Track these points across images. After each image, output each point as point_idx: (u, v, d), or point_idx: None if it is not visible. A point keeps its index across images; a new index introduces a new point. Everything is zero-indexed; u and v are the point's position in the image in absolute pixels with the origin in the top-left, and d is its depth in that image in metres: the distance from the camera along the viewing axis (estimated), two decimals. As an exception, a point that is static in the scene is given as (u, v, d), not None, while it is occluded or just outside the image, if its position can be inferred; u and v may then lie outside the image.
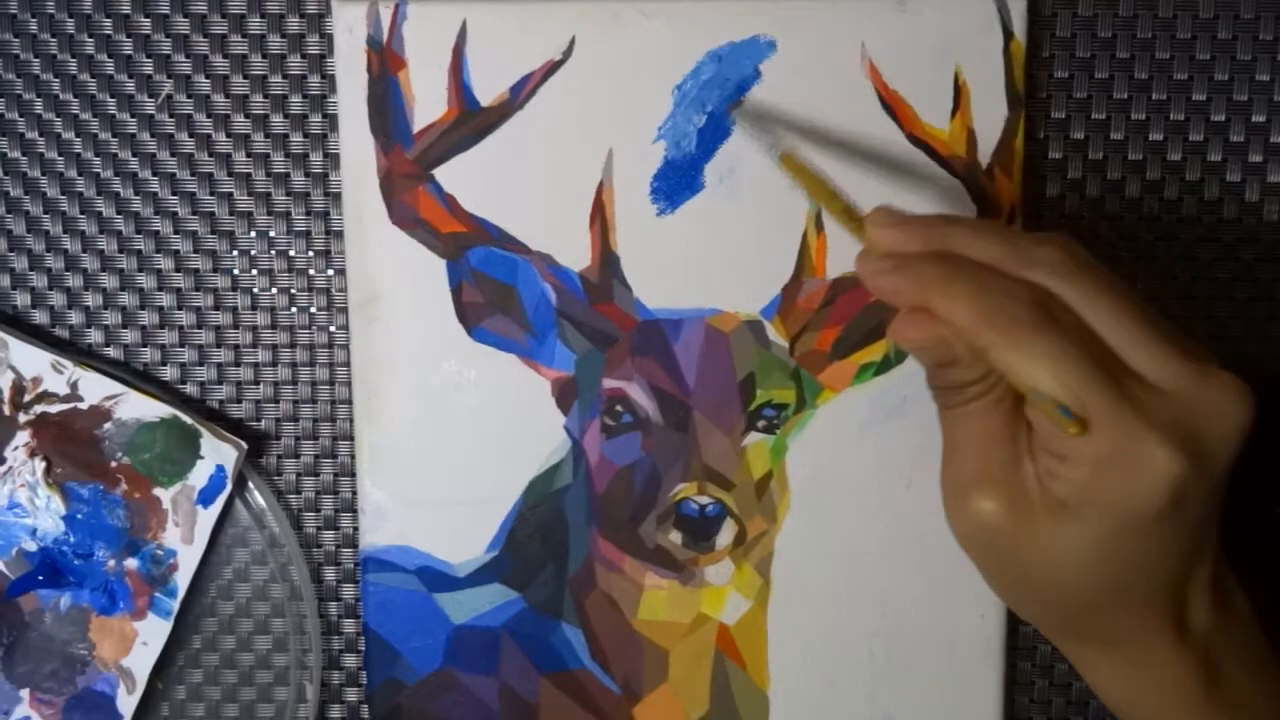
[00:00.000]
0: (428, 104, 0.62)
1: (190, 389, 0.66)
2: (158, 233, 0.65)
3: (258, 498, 0.66)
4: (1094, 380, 0.45)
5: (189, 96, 0.65)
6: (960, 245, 0.49)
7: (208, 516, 0.66)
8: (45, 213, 0.66)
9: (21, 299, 0.66)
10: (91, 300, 0.66)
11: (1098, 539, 0.47)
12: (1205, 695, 0.49)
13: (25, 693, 0.66)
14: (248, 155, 0.65)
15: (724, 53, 0.61)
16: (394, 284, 0.63)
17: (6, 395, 0.64)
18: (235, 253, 0.66)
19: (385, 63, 0.61)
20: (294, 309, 0.66)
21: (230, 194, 0.65)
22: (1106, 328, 0.46)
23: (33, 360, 0.65)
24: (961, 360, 0.48)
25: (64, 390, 0.65)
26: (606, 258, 0.63)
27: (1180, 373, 0.46)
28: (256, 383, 0.66)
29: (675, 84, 0.62)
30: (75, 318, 0.66)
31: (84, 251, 0.66)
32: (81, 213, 0.65)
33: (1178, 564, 0.48)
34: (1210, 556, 0.49)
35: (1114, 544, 0.47)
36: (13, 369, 0.64)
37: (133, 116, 0.65)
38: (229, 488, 0.65)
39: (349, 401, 0.66)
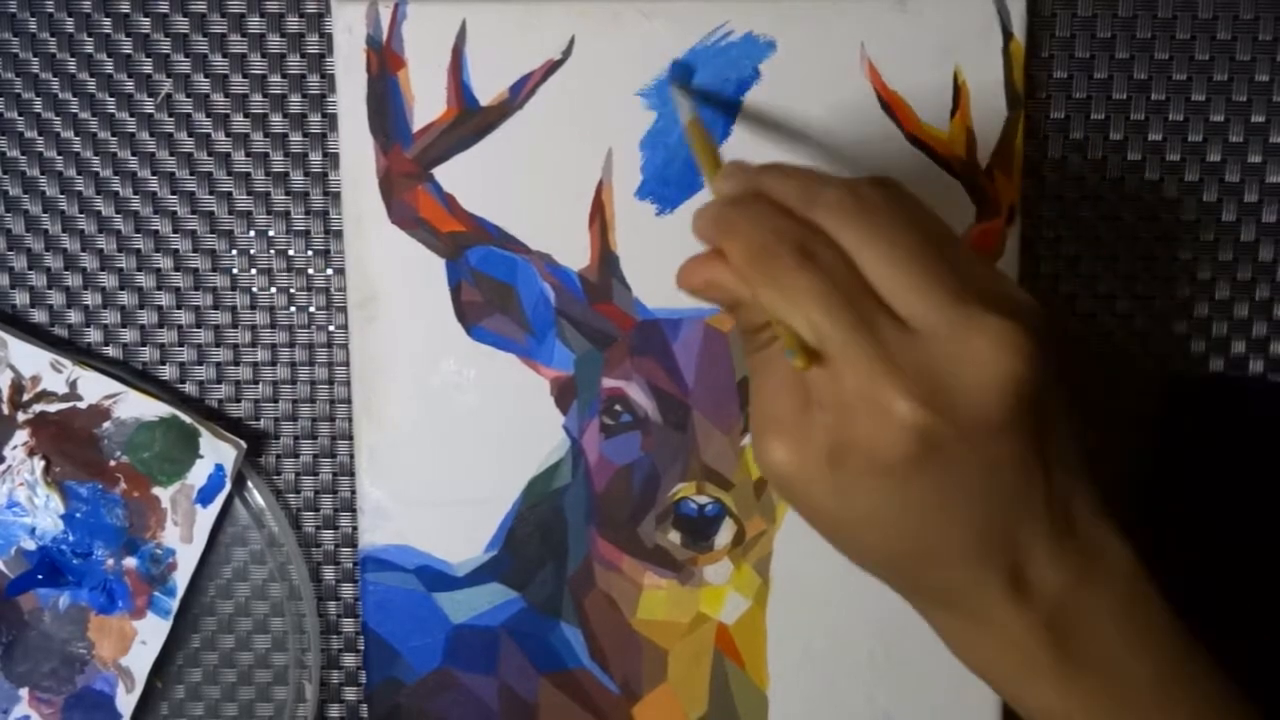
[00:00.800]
0: (427, 103, 0.62)
1: (189, 388, 0.67)
2: (157, 232, 0.65)
3: (256, 497, 0.66)
4: (839, 320, 0.43)
5: (188, 96, 0.65)
6: (766, 187, 0.48)
7: (207, 516, 0.66)
8: (44, 212, 0.66)
9: (21, 298, 0.66)
10: (91, 299, 0.66)
11: (867, 488, 0.45)
12: (1056, 661, 0.46)
13: (24, 691, 0.66)
14: (247, 155, 0.65)
15: (702, 53, 0.62)
16: (393, 283, 0.63)
17: (5, 394, 0.64)
18: (234, 252, 0.66)
19: (385, 62, 0.61)
20: (293, 308, 0.66)
21: (229, 193, 0.65)
22: (873, 268, 0.44)
23: (32, 359, 0.65)
24: (745, 302, 0.47)
25: (63, 389, 0.65)
26: (606, 257, 0.63)
27: (938, 314, 0.43)
28: (255, 382, 0.66)
29: (657, 83, 0.62)
30: (74, 316, 0.66)
31: (83, 250, 0.66)
32: (81, 212, 0.65)
33: (973, 518, 0.45)
34: (1043, 509, 0.46)
35: (884, 493, 0.45)
36: (12, 368, 0.64)
37: (132, 116, 0.65)
38: (228, 487, 0.65)
39: (348, 401, 0.66)
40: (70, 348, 0.66)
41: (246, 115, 0.65)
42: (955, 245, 0.46)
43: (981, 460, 0.44)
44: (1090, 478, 0.47)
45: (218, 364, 0.66)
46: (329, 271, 0.66)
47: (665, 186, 0.62)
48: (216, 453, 0.65)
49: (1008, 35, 0.61)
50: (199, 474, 0.65)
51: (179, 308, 0.66)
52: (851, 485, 0.45)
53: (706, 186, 0.53)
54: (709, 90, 0.62)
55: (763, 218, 0.46)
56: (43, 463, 0.65)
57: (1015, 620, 0.46)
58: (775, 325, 0.45)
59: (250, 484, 0.66)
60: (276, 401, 0.66)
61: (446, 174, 0.62)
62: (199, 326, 0.66)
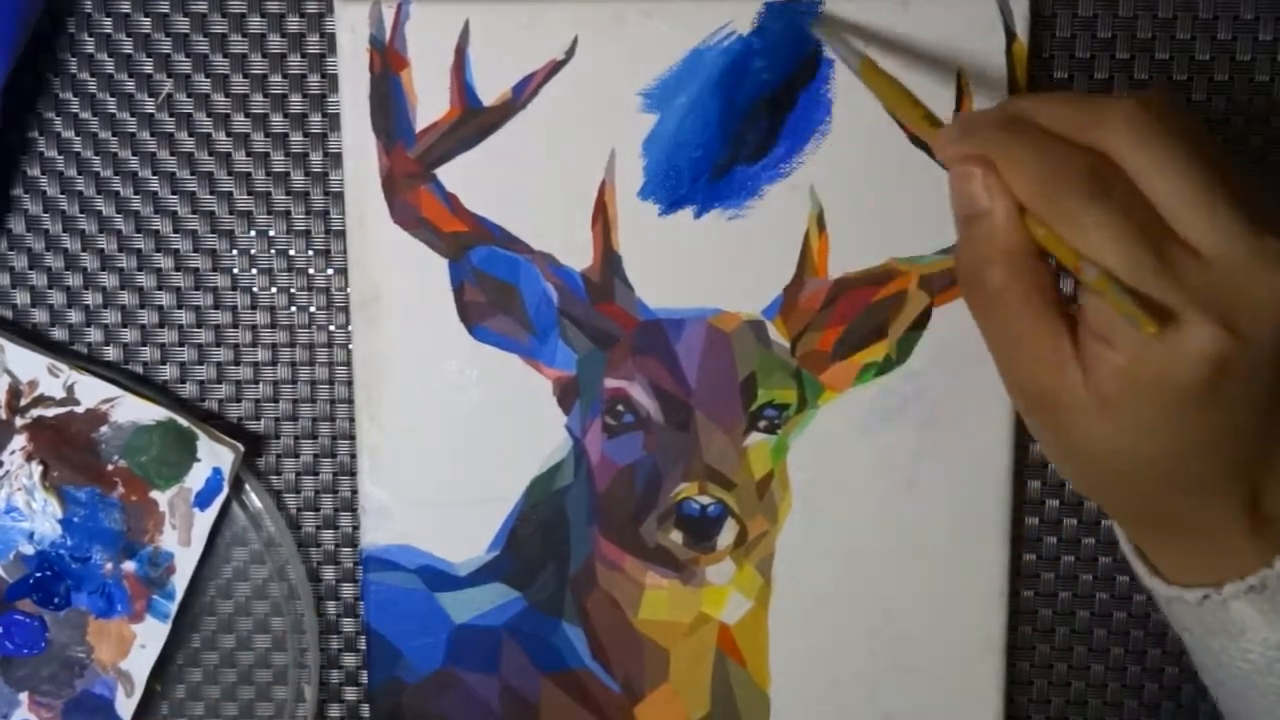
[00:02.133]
0: (430, 103, 0.62)
1: (190, 388, 0.66)
2: (157, 232, 0.65)
3: (254, 499, 0.66)
4: (1138, 256, 0.44)
5: (189, 96, 0.65)
6: (1028, 110, 0.48)
7: (205, 519, 0.65)
8: (45, 212, 0.65)
9: (21, 297, 0.66)
10: (91, 299, 0.66)
11: (1146, 424, 0.46)
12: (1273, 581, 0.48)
13: (24, 696, 0.66)
14: (248, 154, 0.65)
15: (708, 52, 0.62)
16: (396, 283, 0.63)
17: (3, 399, 0.64)
18: (235, 252, 0.66)
19: (388, 62, 0.61)
20: (294, 308, 0.66)
21: (230, 193, 0.65)
22: (1162, 194, 0.45)
23: (29, 364, 0.64)
24: (990, 215, 0.47)
25: (60, 394, 0.64)
26: (608, 257, 0.63)
27: (1230, 242, 0.44)
28: (256, 382, 0.66)
29: (660, 82, 0.62)
30: (75, 316, 0.66)
31: (83, 250, 0.66)
32: (81, 212, 0.65)
33: (1238, 445, 0.47)
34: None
35: (1165, 426, 0.46)
36: (9, 373, 0.64)
37: (133, 116, 0.65)
38: (226, 490, 0.65)
39: (349, 401, 0.66)
40: (67, 351, 0.66)
41: (247, 115, 0.65)
42: (1231, 164, 0.46)
43: (1262, 387, 0.45)
44: None
45: (218, 364, 0.66)
46: (329, 271, 0.65)
47: (668, 187, 0.62)
48: (214, 456, 0.65)
49: (1010, 36, 0.61)
50: (197, 477, 0.65)
51: (179, 308, 0.66)
52: (1136, 414, 0.46)
53: (916, 130, 0.53)
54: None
55: (1044, 145, 0.46)
56: (40, 467, 0.65)
57: (1249, 551, 0.48)
58: (1085, 278, 0.45)
59: (248, 486, 0.66)
60: (277, 401, 0.66)
61: (449, 174, 0.62)
62: (199, 326, 0.66)
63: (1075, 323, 0.48)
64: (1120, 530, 0.55)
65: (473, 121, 0.62)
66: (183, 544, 0.65)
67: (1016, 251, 0.47)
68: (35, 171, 0.65)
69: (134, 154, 0.65)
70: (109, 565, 0.65)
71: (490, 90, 0.62)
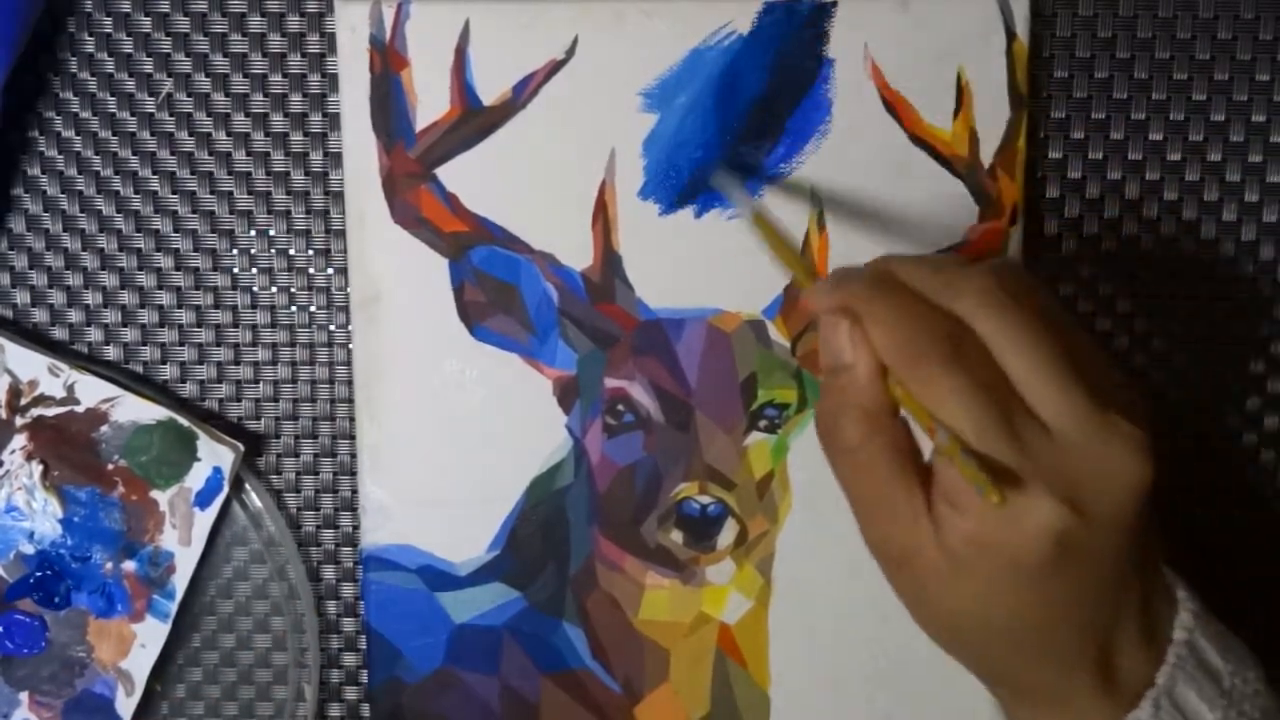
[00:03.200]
0: (430, 103, 0.62)
1: (190, 387, 0.66)
2: (158, 231, 0.65)
3: (255, 499, 0.66)
4: (987, 425, 0.44)
5: (189, 95, 0.65)
6: (897, 271, 0.48)
7: (205, 518, 0.65)
8: (45, 211, 0.65)
9: (21, 297, 0.66)
10: (91, 298, 0.66)
11: (991, 591, 0.46)
12: None
13: (24, 695, 0.66)
14: (248, 154, 0.65)
15: (708, 52, 0.62)
16: (396, 283, 0.63)
17: (3, 399, 0.64)
18: (235, 251, 0.66)
19: (388, 62, 0.61)
20: (294, 308, 0.66)
21: (230, 193, 0.65)
22: (1015, 367, 0.45)
23: (29, 363, 0.64)
24: (853, 367, 0.48)
25: (60, 393, 0.64)
26: (608, 257, 0.63)
27: (1079, 420, 0.45)
28: (256, 381, 0.66)
29: (660, 82, 0.62)
30: (75, 316, 0.66)
31: (84, 250, 0.66)
32: (81, 211, 0.65)
33: (1084, 614, 0.47)
34: (1136, 607, 0.48)
35: (1009, 595, 0.46)
36: (9, 372, 0.64)
37: (133, 115, 0.65)
38: (226, 489, 0.65)
39: (349, 400, 0.66)
40: (68, 351, 0.66)
41: (247, 115, 0.65)
42: (1081, 337, 0.47)
43: (1106, 561, 0.46)
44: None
45: (218, 363, 0.66)
46: (329, 271, 0.65)
47: (668, 187, 0.62)
48: (214, 455, 0.65)
49: (1011, 35, 0.61)
50: (197, 477, 0.65)
51: (180, 307, 0.66)
52: (982, 579, 0.46)
53: (801, 290, 0.53)
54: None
55: (906, 306, 0.47)
56: (41, 467, 0.65)
57: (1100, 706, 0.48)
58: (938, 442, 0.45)
59: (248, 486, 0.66)
60: (277, 401, 0.66)
61: (449, 174, 0.62)
62: (199, 326, 0.66)
63: (930, 483, 0.48)
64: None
65: (473, 121, 0.62)
66: (183, 544, 0.65)
67: (875, 408, 0.47)
68: (35, 171, 0.65)
69: (134, 154, 0.65)
70: (109, 565, 0.65)
71: (490, 90, 0.62)
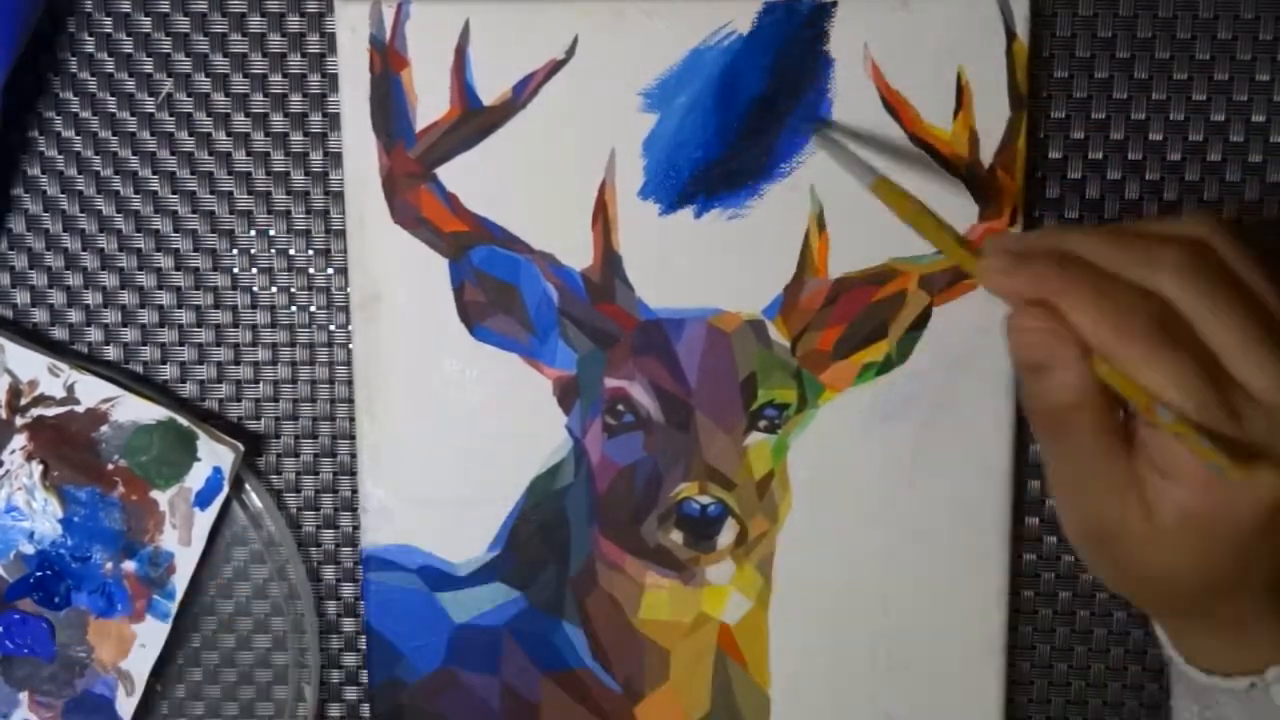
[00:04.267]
0: (430, 103, 0.62)
1: (190, 387, 0.66)
2: (158, 231, 0.65)
3: (255, 499, 0.66)
4: (1204, 402, 0.45)
5: (189, 95, 0.65)
6: (1078, 246, 0.48)
7: (205, 518, 0.65)
8: (45, 211, 0.65)
9: (21, 296, 0.66)
10: (91, 298, 0.66)
11: (1203, 554, 0.47)
12: None
13: (24, 695, 0.66)
14: (248, 154, 0.65)
15: (708, 52, 0.62)
16: (396, 283, 0.63)
17: (3, 399, 0.64)
18: (235, 251, 0.66)
19: (388, 62, 0.61)
20: (294, 308, 0.66)
21: (230, 193, 0.65)
22: (1221, 341, 0.45)
23: (29, 363, 0.64)
24: (1059, 366, 0.47)
25: (60, 393, 0.64)
26: (608, 257, 0.63)
27: None
28: (256, 381, 0.66)
29: (660, 82, 0.62)
30: (75, 316, 0.66)
31: (84, 250, 0.66)
32: (81, 211, 0.65)
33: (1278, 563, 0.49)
34: None
35: (1218, 556, 0.47)
36: (9, 372, 0.64)
37: (133, 115, 0.65)
38: (226, 489, 0.65)
39: (349, 400, 0.66)
40: (68, 351, 0.66)
41: (247, 115, 0.65)
42: (1273, 299, 0.47)
43: None
44: None
45: (218, 363, 0.66)
46: (329, 271, 0.65)
47: (668, 187, 0.62)
48: (214, 455, 0.65)
49: (1011, 35, 0.61)
50: (197, 477, 0.65)
51: (180, 307, 0.66)
52: (1193, 545, 0.47)
53: (941, 249, 0.54)
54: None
55: (1106, 288, 0.46)
56: (41, 467, 0.65)
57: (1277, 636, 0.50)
58: (1161, 420, 0.45)
59: (248, 486, 0.66)
60: (277, 401, 0.66)
61: (449, 174, 0.62)
62: (199, 326, 0.66)
63: (1132, 454, 0.48)
64: (1156, 624, 0.56)
65: (473, 121, 0.62)
66: (183, 544, 0.65)
67: (1086, 395, 0.47)
68: (35, 171, 0.65)
69: (134, 154, 0.65)
70: (109, 565, 0.65)
71: (490, 90, 0.62)
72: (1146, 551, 0.48)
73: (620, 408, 0.64)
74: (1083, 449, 0.48)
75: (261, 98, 0.65)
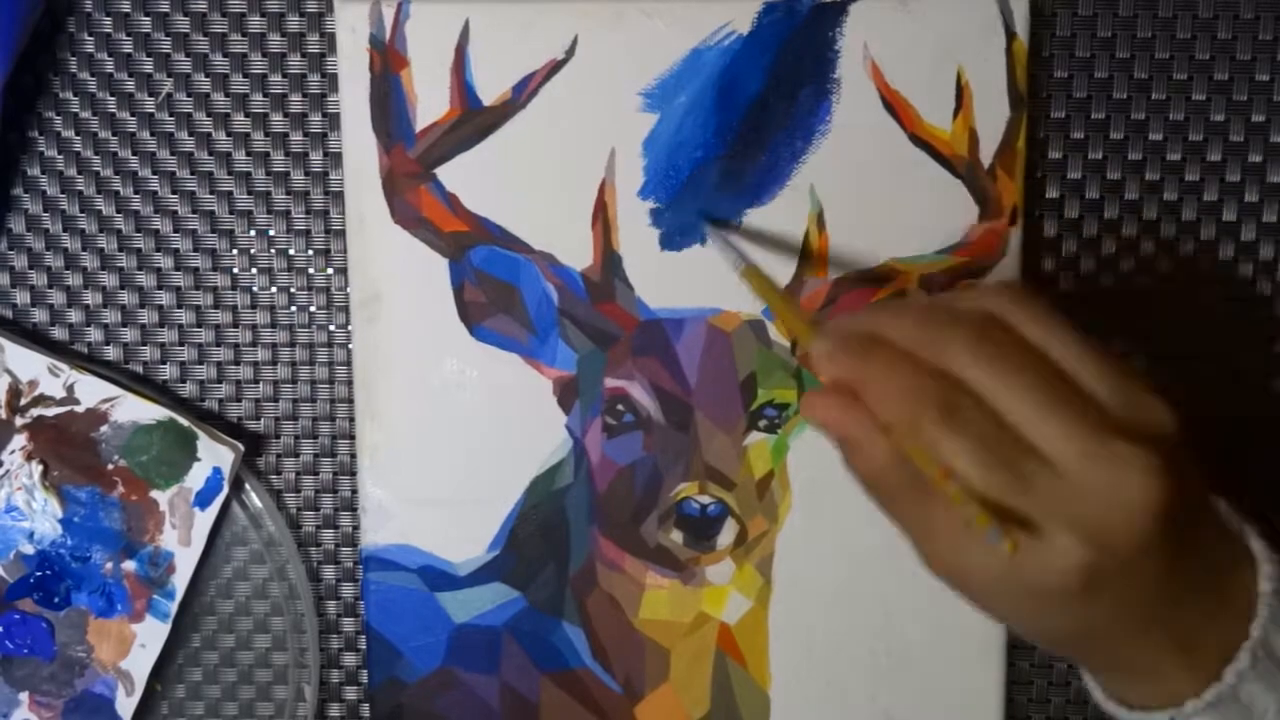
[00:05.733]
0: (430, 103, 0.62)
1: (190, 387, 0.66)
2: (157, 231, 0.65)
3: (254, 499, 0.66)
4: (995, 479, 0.45)
5: (189, 95, 0.65)
6: (886, 328, 0.49)
7: (205, 518, 0.65)
8: (45, 211, 0.65)
9: (21, 297, 0.66)
10: (91, 298, 0.66)
11: (1035, 616, 0.48)
12: (1212, 699, 0.49)
13: (24, 695, 0.66)
14: (248, 154, 0.65)
15: (708, 52, 0.62)
16: (396, 283, 0.63)
17: (3, 399, 0.64)
18: (235, 251, 0.66)
19: (388, 62, 0.61)
20: (294, 308, 0.66)
21: (230, 193, 0.65)
22: (1012, 412, 0.46)
23: (29, 364, 0.64)
24: (861, 443, 0.48)
25: (60, 393, 0.64)
26: (608, 257, 0.63)
27: (1082, 455, 0.45)
28: (256, 381, 0.66)
29: (660, 82, 0.62)
30: (75, 316, 0.66)
31: (84, 250, 0.66)
32: (81, 211, 0.65)
33: (1142, 618, 0.48)
34: (1203, 588, 0.49)
35: (1054, 619, 0.48)
36: (9, 372, 0.64)
37: (133, 115, 0.65)
38: (226, 490, 0.65)
39: (348, 400, 0.66)
40: (67, 351, 0.66)
41: (247, 115, 0.65)
42: (1083, 356, 0.47)
43: (1144, 576, 0.47)
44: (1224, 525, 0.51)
45: (218, 363, 0.66)
46: (329, 271, 0.65)
47: (668, 187, 0.62)
48: (214, 455, 0.65)
49: (1010, 35, 0.61)
50: (197, 477, 0.65)
51: (179, 307, 0.66)
52: (1020, 609, 0.48)
53: (799, 342, 0.54)
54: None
55: (900, 372, 0.47)
56: (41, 467, 0.65)
57: (1184, 673, 0.49)
58: (949, 489, 0.46)
59: (248, 486, 0.66)
60: (277, 401, 0.66)
61: (449, 174, 0.62)
62: (199, 326, 0.66)
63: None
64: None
65: (473, 121, 0.62)
66: (183, 544, 0.65)
67: (891, 466, 0.48)
68: (35, 171, 0.65)
69: (134, 154, 0.65)
70: (109, 565, 0.65)
71: (490, 90, 0.62)
72: (989, 601, 0.49)
73: (620, 408, 0.64)
74: (904, 508, 0.49)
75: (261, 98, 0.65)
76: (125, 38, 0.64)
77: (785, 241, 0.63)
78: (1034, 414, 0.46)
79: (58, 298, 0.66)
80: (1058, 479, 0.45)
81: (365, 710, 0.68)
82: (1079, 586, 0.45)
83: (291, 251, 0.65)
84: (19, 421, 0.65)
